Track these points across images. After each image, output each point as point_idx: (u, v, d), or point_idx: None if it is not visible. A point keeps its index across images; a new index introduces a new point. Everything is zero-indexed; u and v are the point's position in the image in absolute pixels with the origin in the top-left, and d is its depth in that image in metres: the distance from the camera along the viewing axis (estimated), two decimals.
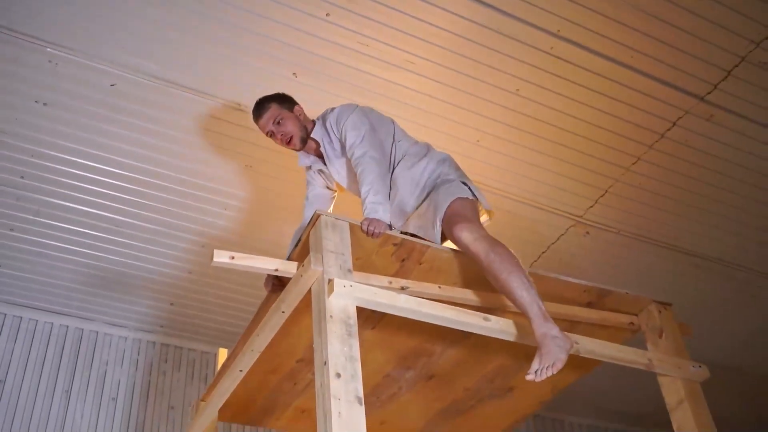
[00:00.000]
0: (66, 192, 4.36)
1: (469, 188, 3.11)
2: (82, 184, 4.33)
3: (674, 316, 3.36)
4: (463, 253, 2.92)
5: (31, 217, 4.48)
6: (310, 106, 3.63)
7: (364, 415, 2.30)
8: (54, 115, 3.97)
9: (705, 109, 4.16)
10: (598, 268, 5.17)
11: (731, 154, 4.46)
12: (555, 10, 3.64)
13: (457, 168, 3.28)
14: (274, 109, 3.29)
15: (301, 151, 3.41)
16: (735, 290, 5.57)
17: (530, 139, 4.36)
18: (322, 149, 3.36)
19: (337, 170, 3.37)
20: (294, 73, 3.89)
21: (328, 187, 3.49)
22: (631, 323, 3.35)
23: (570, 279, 3.18)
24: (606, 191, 4.70)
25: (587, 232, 4.97)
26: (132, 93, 3.91)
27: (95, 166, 4.25)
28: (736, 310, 5.77)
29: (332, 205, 3.51)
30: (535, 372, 2.59)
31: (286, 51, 3.79)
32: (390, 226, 2.92)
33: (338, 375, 2.33)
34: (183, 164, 4.30)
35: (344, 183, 3.41)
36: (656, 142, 4.36)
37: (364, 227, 2.76)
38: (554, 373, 2.57)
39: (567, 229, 4.96)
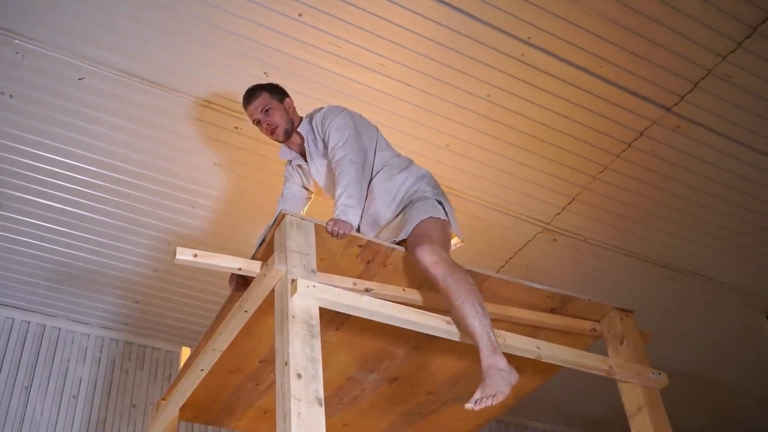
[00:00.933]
0: (30, 186, 4.30)
1: (444, 209, 3.09)
2: (47, 178, 4.27)
3: (636, 323, 3.39)
4: None
5: None
6: None
7: (324, 417, 2.29)
8: (20, 108, 3.91)
9: (672, 120, 4.21)
10: (565, 275, 5.20)
11: (697, 165, 4.52)
12: (527, 18, 3.67)
13: (435, 186, 3.27)
14: (264, 98, 3.28)
15: (284, 144, 3.40)
16: (698, 299, 5.63)
17: (499, 145, 4.38)
18: (305, 145, 3.35)
19: (317, 169, 3.35)
20: (265, 73, 3.87)
21: (304, 187, 3.47)
22: (594, 329, 3.37)
23: (534, 285, 3.19)
24: (573, 199, 4.73)
25: (554, 239, 5.00)
26: (100, 88, 3.87)
27: (61, 161, 4.19)
28: (698, 319, 5.83)
29: (307, 206, 3.49)
30: (476, 401, 2.60)
31: (258, 50, 3.78)
32: (358, 230, 2.91)
33: (299, 375, 2.32)
34: (151, 161, 4.26)
35: (322, 183, 3.39)
36: (623, 151, 4.41)
37: (329, 228, 2.74)
38: (494, 404, 2.58)
39: (534, 236, 4.98)
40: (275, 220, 2.77)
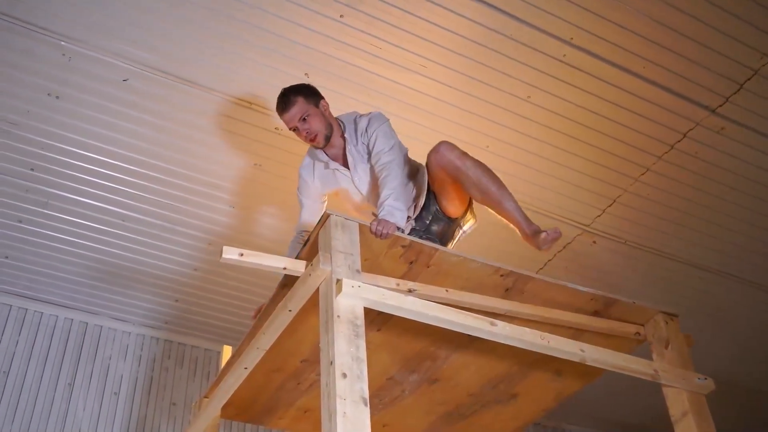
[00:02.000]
0: (75, 185, 4.37)
1: None
2: (91, 178, 4.34)
3: (683, 327, 3.34)
4: (471, 258, 2.92)
5: (39, 209, 4.49)
6: None
7: (369, 416, 2.29)
8: (66, 109, 3.98)
9: (716, 122, 4.16)
10: (604, 278, 5.17)
11: (740, 167, 4.47)
12: (569, 18, 3.65)
13: None
14: (301, 104, 3.20)
15: (318, 148, 3.37)
16: (738, 303, 5.55)
17: (540, 147, 4.37)
18: (347, 152, 3.32)
19: (360, 177, 3.34)
20: (306, 74, 3.89)
21: (321, 193, 3.48)
22: (637, 333, 3.32)
23: (578, 287, 3.15)
24: (614, 201, 4.70)
25: (594, 241, 4.96)
26: (144, 89, 3.93)
27: (105, 161, 4.26)
28: (737, 322, 5.75)
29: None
30: (545, 240, 2.99)
31: (299, 51, 3.81)
32: (402, 231, 2.92)
33: (344, 375, 2.32)
34: (192, 161, 4.31)
35: (364, 190, 3.37)
36: (666, 153, 4.37)
37: (373, 228, 2.74)
38: (558, 237, 2.99)
39: (574, 238, 4.95)
40: (320, 221, 2.77)
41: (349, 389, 2.29)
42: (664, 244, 5.01)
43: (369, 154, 3.27)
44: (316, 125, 3.21)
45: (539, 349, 2.81)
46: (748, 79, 3.92)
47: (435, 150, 3.13)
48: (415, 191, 3.35)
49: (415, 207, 3.29)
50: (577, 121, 4.20)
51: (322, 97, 3.32)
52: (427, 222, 3.35)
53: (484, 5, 3.58)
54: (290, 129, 3.28)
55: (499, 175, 4.43)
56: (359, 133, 3.30)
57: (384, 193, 3.00)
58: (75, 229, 4.64)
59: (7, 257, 4.78)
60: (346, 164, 3.35)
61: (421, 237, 3.18)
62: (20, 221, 4.55)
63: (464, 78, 3.96)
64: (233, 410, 3.71)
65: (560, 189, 4.62)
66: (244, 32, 3.69)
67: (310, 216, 3.44)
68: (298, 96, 3.22)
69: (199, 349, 5.50)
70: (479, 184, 3.04)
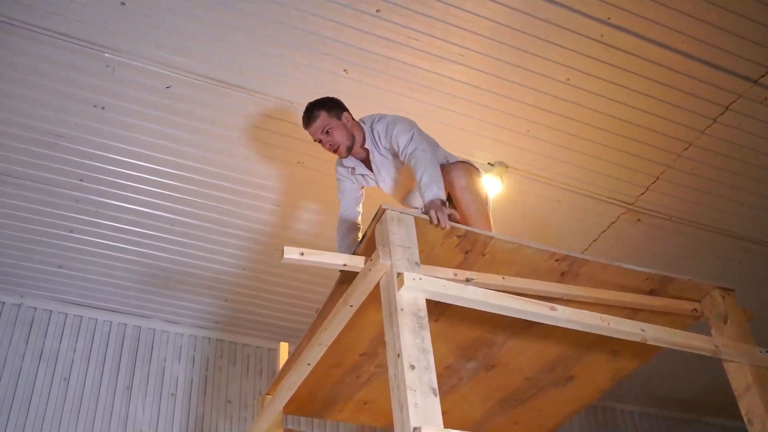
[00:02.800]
0: (123, 193, 4.44)
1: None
2: (138, 185, 4.41)
3: (739, 300, 3.33)
4: (526, 244, 2.93)
5: (89, 218, 4.57)
6: (362, 102, 3.71)
7: (440, 405, 2.32)
8: (111, 119, 4.05)
9: (759, 92, 4.12)
10: (649, 256, 5.13)
11: None
12: None
13: None
14: (323, 118, 3.29)
15: (345, 156, 3.44)
16: None
17: (580, 128, 4.36)
18: (371, 158, 3.42)
19: (383, 178, 3.45)
20: (345, 70, 3.92)
21: (357, 189, 3.57)
22: (694, 309, 3.31)
23: (634, 267, 3.15)
24: (657, 178, 4.67)
25: (639, 219, 4.94)
26: (186, 94, 3.98)
27: (151, 167, 4.33)
28: None
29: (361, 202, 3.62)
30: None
31: (337, 48, 3.83)
32: (448, 202, 3.06)
33: (412, 367, 2.34)
34: (236, 163, 4.35)
35: (387, 188, 3.50)
36: (708, 127, 4.33)
37: (433, 219, 2.77)
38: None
39: (618, 217, 4.92)
40: (375, 216, 2.80)
41: (418, 380, 2.31)
42: (710, 218, 4.98)
43: (392, 155, 3.36)
44: (338, 137, 3.29)
45: (600, 331, 2.81)
46: None
47: (454, 166, 3.28)
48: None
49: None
50: (618, 100, 4.18)
51: (345, 109, 3.39)
52: None
53: None
54: (314, 141, 3.38)
55: (539, 157, 4.50)
56: (377, 139, 3.38)
57: (417, 176, 3.06)
58: (124, 236, 4.71)
59: (60, 267, 4.87)
60: (370, 167, 3.45)
61: None
62: (71, 231, 4.64)
63: (502, 64, 3.97)
64: (294, 406, 3.74)
65: (602, 169, 4.60)
66: (282, 32, 3.73)
67: (351, 210, 3.55)
68: (321, 110, 3.30)
69: (251, 347, 5.56)
70: (467, 217, 3.17)
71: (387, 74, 3.97)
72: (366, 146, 3.39)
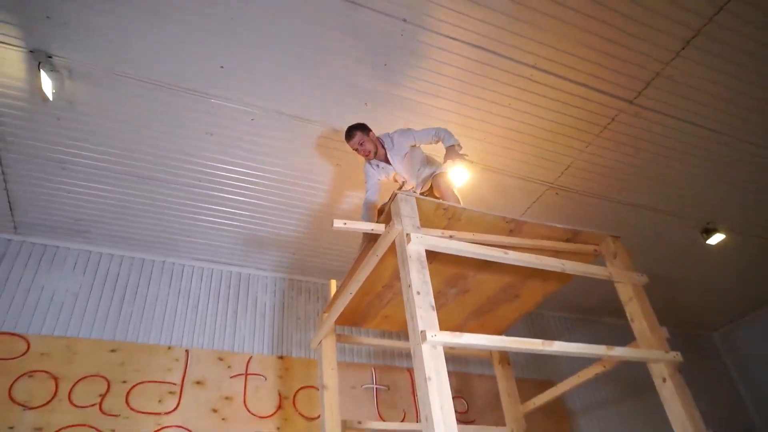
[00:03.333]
0: (226, 186, 4.37)
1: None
2: (236, 181, 4.34)
3: (623, 244, 3.34)
4: (486, 212, 2.95)
5: (206, 204, 4.52)
6: (377, 123, 3.67)
7: (437, 317, 2.37)
8: (218, 141, 4.01)
9: (633, 110, 4.04)
10: (565, 217, 4.98)
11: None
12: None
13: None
14: (359, 136, 3.46)
15: (373, 159, 3.56)
16: (657, 223, 5.31)
17: (516, 133, 4.22)
18: (389, 156, 3.52)
19: (397, 166, 3.53)
20: (366, 103, 3.87)
21: (379, 179, 3.63)
22: (595, 250, 3.34)
23: (555, 224, 3.18)
24: (568, 166, 4.57)
25: (557, 193, 4.83)
26: (265, 123, 3.91)
27: (244, 170, 4.27)
28: (660, 236, 5.49)
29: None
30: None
31: (361, 91, 3.76)
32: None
33: (418, 292, 2.40)
34: (298, 164, 4.26)
35: (402, 172, 3.55)
36: (598, 135, 4.26)
37: (450, 159, 3.18)
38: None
39: (543, 192, 4.81)
40: (390, 198, 2.82)
41: (422, 301, 2.38)
42: (608, 194, 4.84)
43: (401, 153, 3.49)
44: (369, 147, 3.47)
45: (535, 266, 2.85)
46: None
47: (440, 175, 3.43)
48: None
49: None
50: (541, 106, 4.10)
51: (370, 130, 3.54)
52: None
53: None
54: (353, 150, 3.54)
55: (490, 156, 4.40)
56: (390, 143, 3.52)
57: (445, 143, 3.36)
58: (229, 215, 4.65)
59: (189, 236, 4.84)
60: (388, 162, 3.55)
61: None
62: (195, 214, 4.59)
63: (463, 95, 3.89)
64: (341, 318, 3.81)
65: (531, 159, 4.47)
66: (329, 81, 3.67)
67: (373, 194, 3.60)
68: (357, 130, 3.48)
69: (311, 283, 5.51)
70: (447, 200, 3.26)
71: (392, 106, 3.90)
72: (385, 148, 3.51)
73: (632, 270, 3.16)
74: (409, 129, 3.54)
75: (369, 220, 3.44)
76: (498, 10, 3.37)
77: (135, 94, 3.62)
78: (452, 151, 3.20)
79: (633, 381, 5.81)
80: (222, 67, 3.54)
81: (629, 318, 3.03)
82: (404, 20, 3.40)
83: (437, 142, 3.41)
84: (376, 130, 3.69)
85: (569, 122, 4.18)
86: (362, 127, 3.50)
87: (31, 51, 3.35)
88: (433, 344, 2.23)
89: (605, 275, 3.04)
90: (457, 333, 2.26)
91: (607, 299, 5.25)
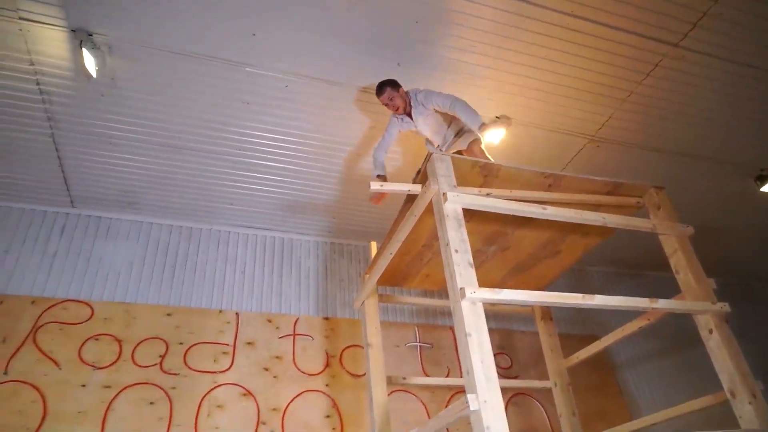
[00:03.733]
0: (265, 154, 4.44)
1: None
2: (274, 148, 4.41)
3: (666, 195, 3.26)
4: (524, 168, 2.93)
5: (245, 173, 4.61)
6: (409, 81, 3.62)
7: (475, 274, 2.40)
8: (253, 109, 4.05)
9: (678, 53, 3.85)
10: (609, 169, 4.82)
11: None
12: None
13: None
14: (389, 91, 3.50)
15: (401, 114, 3.61)
16: (706, 171, 5.14)
17: (555, 87, 4.10)
18: (413, 112, 3.57)
19: (419, 123, 3.60)
20: (398, 63, 3.83)
21: (399, 131, 3.72)
22: (638, 202, 3.28)
23: (594, 177, 3.13)
24: (610, 117, 4.42)
25: (598, 146, 4.70)
26: (298, 89, 3.94)
27: (281, 137, 4.31)
28: (710, 185, 5.30)
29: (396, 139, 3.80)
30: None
31: (396, 50, 3.73)
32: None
33: (456, 250, 2.43)
34: (332, 129, 4.26)
35: (425, 131, 3.64)
36: (643, 80, 4.09)
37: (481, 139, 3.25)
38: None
39: (584, 146, 4.69)
40: (426, 158, 2.83)
41: (460, 258, 2.41)
42: (647, 141, 4.69)
43: (426, 110, 3.53)
44: (398, 102, 3.52)
45: (575, 221, 2.83)
46: None
47: (474, 142, 3.45)
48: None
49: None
50: (575, 66, 3.96)
51: (400, 86, 3.56)
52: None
53: None
54: (383, 104, 3.59)
55: (531, 111, 4.32)
56: (415, 100, 3.55)
57: (463, 117, 3.29)
58: (269, 182, 4.73)
59: (232, 204, 4.97)
60: (411, 118, 3.60)
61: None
62: (235, 182, 4.70)
63: (500, 51, 3.80)
64: (383, 279, 3.89)
65: (571, 112, 4.39)
66: (358, 44, 3.65)
67: (385, 146, 3.70)
68: (387, 86, 3.53)
69: (352, 245, 5.60)
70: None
71: (425, 65, 3.83)
72: (411, 105, 3.56)
73: (676, 221, 3.08)
74: (431, 91, 3.51)
75: (379, 168, 3.58)
76: None
77: (172, 66, 3.71)
78: (484, 129, 3.11)
79: (679, 334, 5.72)
80: (254, 34, 3.56)
81: (674, 270, 2.97)
82: None
83: (452, 113, 3.35)
84: (409, 89, 3.66)
85: (610, 71, 4.03)
86: (392, 83, 3.53)
87: (72, 30, 3.46)
88: (473, 300, 2.27)
89: (649, 227, 2.98)
90: (497, 289, 2.29)
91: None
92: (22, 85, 3.77)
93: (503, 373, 5.15)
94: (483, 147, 3.44)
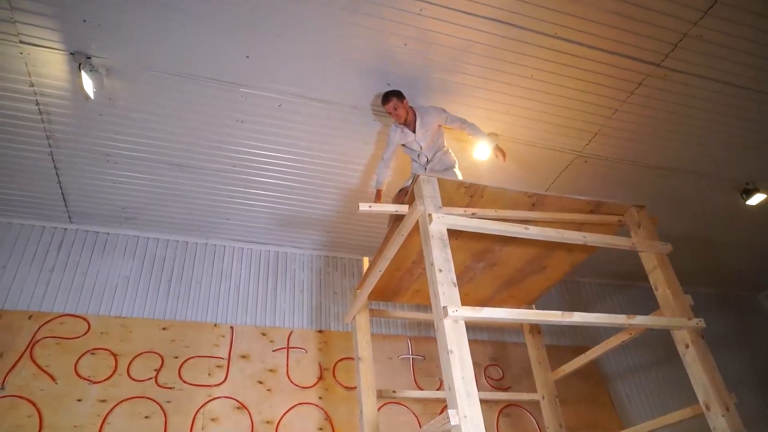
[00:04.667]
0: (260, 170, 4.55)
1: None
2: (269, 165, 4.51)
3: (647, 212, 3.36)
4: (508, 189, 3.03)
5: (241, 188, 4.72)
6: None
7: (458, 292, 2.50)
8: (248, 127, 4.17)
9: (660, 72, 3.99)
10: (594, 184, 4.98)
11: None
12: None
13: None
14: (395, 101, 3.71)
15: (402, 124, 3.80)
16: (694, 185, 5.24)
17: (543, 104, 4.22)
18: (416, 125, 3.76)
19: (420, 137, 3.77)
20: (388, 83, 3.93)
21: (400, 144, 3.91)
22: (620, 220, 3.38)
23: (577, 197, 3.23)
24: (596, 133, 4.54)
25: (585, 161, 4.81)
26: (292, 108, 4.05)
27: (276, 154, 4.42)
28: (698, 198, 5.38)
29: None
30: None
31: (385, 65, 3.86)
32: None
33: (440, 270, 2.53)
34: (327, 147, 4.37)
35: (422, 143, 3.79)
36: (624, 101, 4.23)
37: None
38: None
39: (571, 161, 4.80)
40: (414, 180, 2.94)
41: (444, 278, 2.51)
42: (633, 157, 4.79)
43: (427, 126, 3.72)
44: (402, 112, 3.70)
45: (557, 240, 2.92)
46: None
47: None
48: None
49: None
50: (562, 86, 4.09)
51: (405, 97, 3.73)
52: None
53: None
54: (387, 113, 3.78)
55: (517, 128, 4.43)
56: (423, 113, 3.75)
57: (476, 137, 3.72)
58: (264, 197, 4.83)
59: (227, 219, 5.07)
60: (413, 130, 3.77)
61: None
62: (231, 197, 4.80)
63: (494, 72, 3.92)
64: (374, 294, 3.99)
65: (558, 130, 4.50)
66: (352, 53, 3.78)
67: (389, 158, 3.93)
68: (393, 96, 3.72)
69: (345, 259, 5.68)
70: None
71: (415, 84, 3.91)
72: (416, 116, 3.75)
73: (656, 239, 3.18)
74: (444, 110, 3.77)
75: (384, 178, 3.84)
76: None
77: (168, 87, 3.82)
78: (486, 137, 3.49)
79: (670, 344, 5.81)
80: (247, 57, 3.68)
81: (653, 286, 3.08)
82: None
83: (462, 130, 3.62)
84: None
85: (594, 89, 4.15)
86: (398, 94, 3.73)
87: (71, 53, 3.58)
88: (455, 319, 2.37)
89: (628, 245, 3.09)
90: (478, 308, 2.39)
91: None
92: (22, 106, 3.89)
93: (495, 384, 5.24)
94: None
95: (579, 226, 3.27)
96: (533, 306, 4.36)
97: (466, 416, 2.15)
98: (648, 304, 3.84)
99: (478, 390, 4.27)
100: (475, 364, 5.12)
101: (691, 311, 2.93)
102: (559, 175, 4.95)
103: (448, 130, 3.97)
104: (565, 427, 3.89)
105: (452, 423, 2.15)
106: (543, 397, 4.03)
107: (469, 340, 3.15)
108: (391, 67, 3.82)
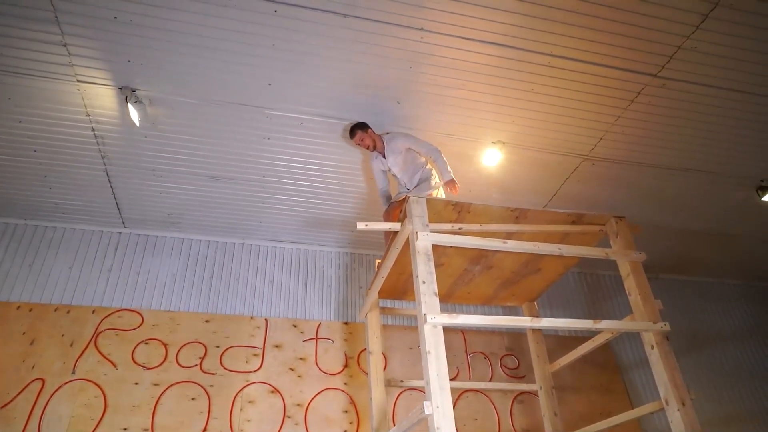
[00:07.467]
0: (289, 180, 5.02)
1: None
2: (296, 175, 4.98)
3: (627, 223, 3.61)
4: (492, 205, 3.41)
5: (271, 195, 5.22)
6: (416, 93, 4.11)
7: (438, 302, 2.91)
8: (274, 143, 4.66)
9: (658, 82, 4.20)
10: (601, 188, 5.14)
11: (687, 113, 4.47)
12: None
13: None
14: (359, 134, 4.18)
15: (373, 151, 4.24)
16: (707, 183, 5.35)
17: (549, 109, 4.45)
18: (385, 152, 4.19)
19: (392, 162, 4.20)
20: (411, 66, 4.30)
21: (382, 170, 4.38)
22: (601, 230, 3.67)
23: (558, 209, 3.53)
24: (601, 138, 4.74)
25: (593, 164, 5.00)
26: (311, 126, 4.50)
27: (300, 165, 4.90)
28: (713, 196, 5.51)
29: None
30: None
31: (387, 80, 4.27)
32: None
33: (423, 282, 2.97)
34: (344, 155, 4.79)
35: (395, 169, 4.23)
36: (627, 107, 4.46)
37: (451, 191, 3.73)
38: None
39: (579, 164, 5.01)
40: (404, 200, 3.36)
41: (426, 289, 2.94)
42: (640, 159, 4.97)
43: (396, 152, 4.12)
44: (367, 141, 4.18)
45: (533, 252, 3.29)
46: None
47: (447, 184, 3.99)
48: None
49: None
50: (572, 89, 4.38)
51: (369, 127, 4.20)
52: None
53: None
54: (355, 145, 4.27)
55: (522, 136, 4.67)
56: (390, 140, 4.14)
57: (438, 166, 3.95)
58: (292, 203, 5.31)
59: (261, 222, 5.60)
60: (384, 156, 4.23)
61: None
62: (264, 202, 5.32)
63: (499, 79, 4.23)
64: (386, 293, 4.41)
65: (566, 129, 4.74)
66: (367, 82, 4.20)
67: (383, 184, 4.42)
68: (358, 129, 4.20)
69: (370, 255, 6.09)
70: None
71: (422, 100, 4.28)
72: (384, 143, 4.14)
73: (632, 248, 3.45)
74: (410, 135, 4.11)
75: (387, 204, 4.21)
76: (508, 9, 3.68)
77: (202, 112, 4.40)
78: (451, 184, 3.77)
79: (687, 337, 6.01)
80: (270, 84, 4.18)
81: (627, 292, 3.39)
82: (422, 29, 3.84)
83: (428, 161, 3.91)
84: (413, 124, 4.20)
85: (594, 100, 4.38)
86: (361, 126, 4.17)
87: (119, 88, 4.22)
88: (434, 324, 2.82)
89: (602, 255, 3.39)
90: (454, 315, 2.82)
91: (666, 255, 5.42)
92: (81, 132, 4.58)
93: (511, 373, 5.62)
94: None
95: (564, 236, 3.58)
96: (536, 302, 4.70)
97: (438, 407, 2.62)
98: (669, 294, 3.86)
99: (492, 380, 4.64)
100: (492, 355, 5.52)
101: (659, 316, 3.25)
102: (568, 177, 5.17)
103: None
104: (560, 415, 4.28)
105: (426, 413, 2.63)
106: (540, 388, 4.42)
107: (487, 332, 3.52)
108: (398, 87, 4.20)
